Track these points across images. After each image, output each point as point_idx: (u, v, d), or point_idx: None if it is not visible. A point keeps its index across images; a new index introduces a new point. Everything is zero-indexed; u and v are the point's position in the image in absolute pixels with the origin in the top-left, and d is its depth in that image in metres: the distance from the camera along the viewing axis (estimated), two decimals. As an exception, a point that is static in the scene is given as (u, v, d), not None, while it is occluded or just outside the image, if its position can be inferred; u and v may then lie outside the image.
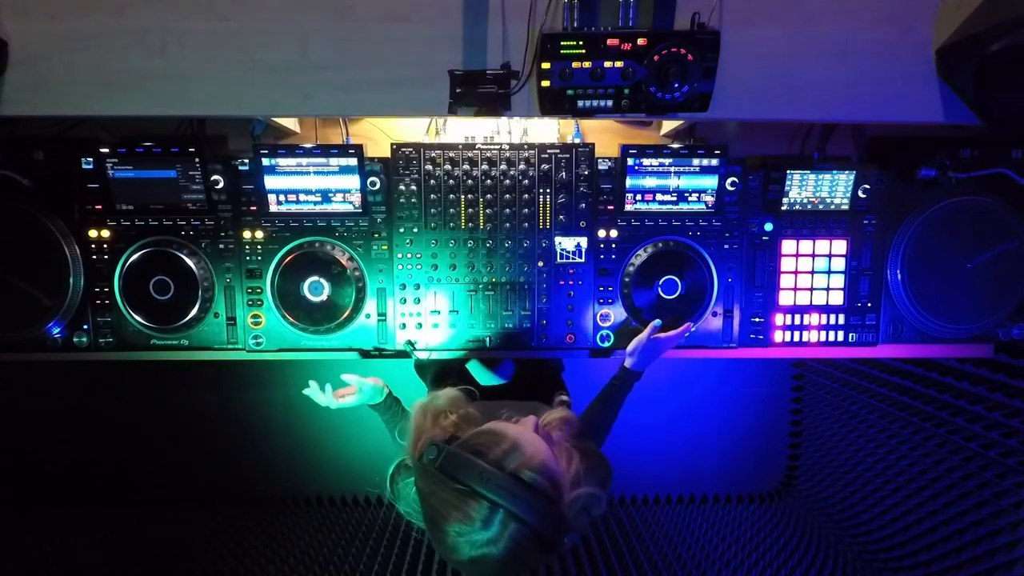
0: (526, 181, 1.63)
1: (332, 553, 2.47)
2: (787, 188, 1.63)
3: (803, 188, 1.63)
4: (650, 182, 1.61)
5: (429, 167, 1.62)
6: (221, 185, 1.59)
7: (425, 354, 1.67)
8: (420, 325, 1.66)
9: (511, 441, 0.92)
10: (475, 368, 1.75)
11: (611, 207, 1.64)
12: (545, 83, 1.28)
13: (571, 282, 1.66)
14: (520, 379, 1.74)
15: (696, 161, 1.58)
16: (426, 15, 1.36)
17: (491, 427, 0.97)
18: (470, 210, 1.64)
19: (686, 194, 1.61)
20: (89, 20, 1.35)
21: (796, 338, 1.70)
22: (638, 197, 1.62)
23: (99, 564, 2.40)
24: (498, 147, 1.63)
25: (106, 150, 1.53)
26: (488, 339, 1.67)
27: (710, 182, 1.60)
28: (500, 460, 0.90)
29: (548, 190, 1.64)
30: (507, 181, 1.63)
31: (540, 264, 1.66)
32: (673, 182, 1.60)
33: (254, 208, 1.61)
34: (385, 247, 1.65)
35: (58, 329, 1.61)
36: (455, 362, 1.75)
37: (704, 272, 1.63)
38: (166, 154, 1.53)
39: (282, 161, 1.55)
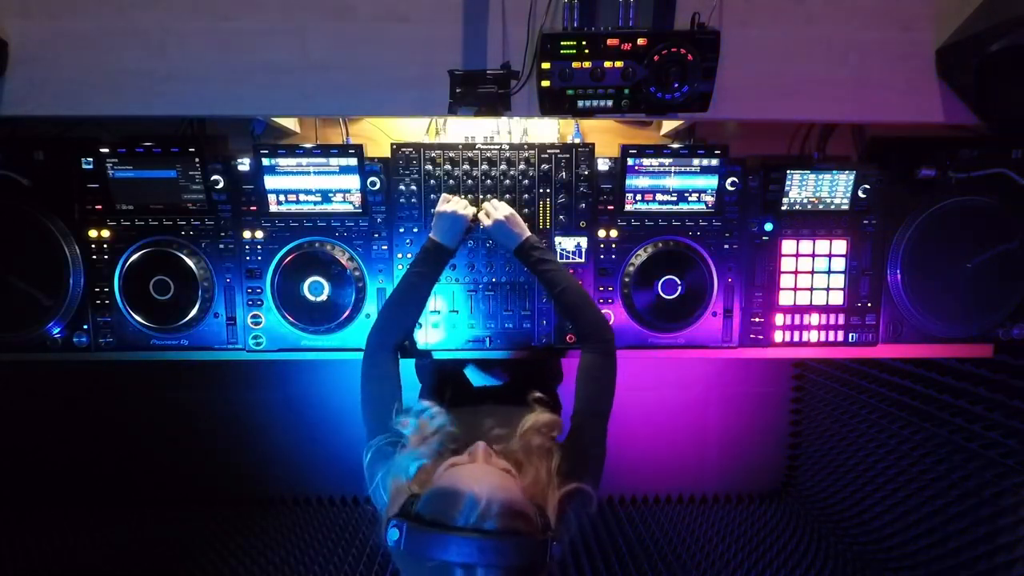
0: (526, 181, 1.63)
1: (332, 553, 2.47)
2: (787, 188, 1.63)
3: (803, 188, 1.63)
4: (650, 182, 1.61)
5: (429, 167, 1.62)
6: (221, 185, 1.59)
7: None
8: (420, 325, 1.65)
9: (465, 495, 0.90)
10: (472, 373, 1.74)
11: (611, 207, 1.64)
12: (545, 83, 1.28)
13: (571, 282, 1.66)
14: (515, 381, 1.74)
15: (696, 161, 1.58)
16: (426, 15, 1.36)
17: (442, 487, 0.94)
18: (470, 210, 1.63)
19: (686, 194, 1.61)
20: (89, 20, 1.35)
21: (796, 338, 1.70)
22: (638, 197, 1.62)
23: (99, 564, 2.40)
24: (498, 147, 1.63)
25: (106, 150, 1.53)
26: (488, 339, 1.67)
27: (710, 182, 1.60)
28: (458, 520, 0.88)
29: (548, 190, 1.64)
30: (507, 181, 1.63)
31: (540, 264, 1.65)
32: (673, 182, 1.60)
33: (254, 208, 1.61)
34: (385, 247, 1.65)
35: (58, 329, 1.61)
36: (453, 367, 1.74)
37: (704, 272, 1.63)
38: (166, 154, 1.53)
39: (282, 161, 1.55)
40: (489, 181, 1.63)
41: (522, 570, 0.88)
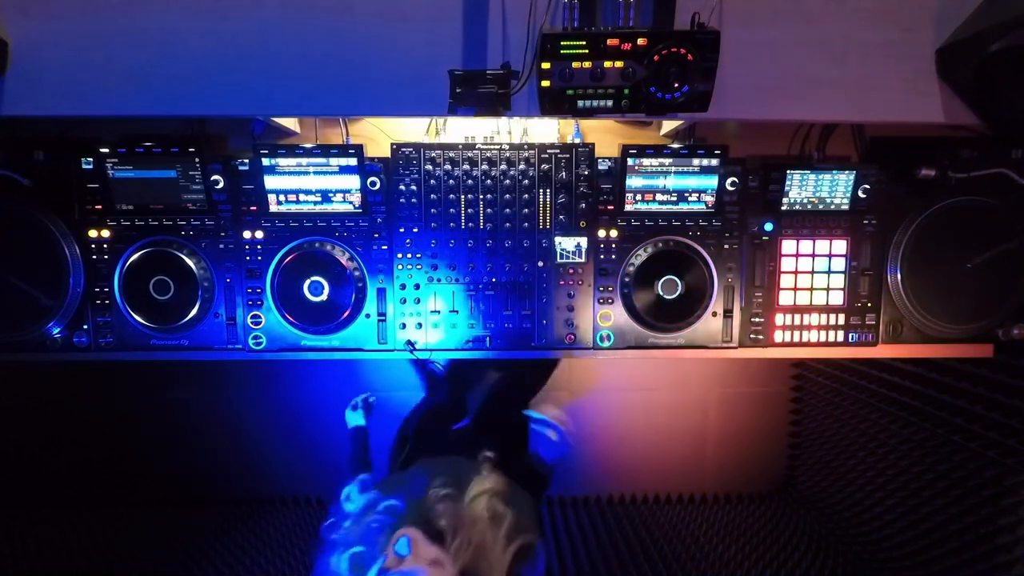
0: (526, 181, 1.63)
1: (332, 553, 2.47)
2: (787, 188, 1.63)
3: (803, 188, 1.63)
4: (650, 182, 1.61)
5: (429, 167, 1.62)
6: (221, 185, 1.59)
7: (426, 354, 1.67)
8: (420, 325, 1.66)
9: None
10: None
11: (611, 207, 1.64)
12: (545, 83, 1.28)
13: (571, 282, 1.66)
14: (477, 422, 1.73)
15: (696, 161, 1.58)
16: (426, 15, 1.36)
17: None
18: (470, 210, 1.64)
19: (686, 194, 1.61)
20: (89, 20, 1.35)
21: (796, 338, 1.70)
22: (638, 197, 1.62)
23: (99, 564, 2.40)
24: (498, 147, 1.63)
25: (106, 150, 1.53)
26: (488, 339, 1.67)
27: (710, 182, 1.60)
28: None
29: (548, 190, 1.64)
30: (507, 181, 1.63)
31: (540, 264, 1.65)
32: (673, 182, 1.60)
33: (254, 208, 1.61)
34: (385, 247, 1.65)
35: (58, 329, 1.61)
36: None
37: (704, 272, 1.63)
38: (166, 154, 1.53)
39: (282, 161, 1.55)
40: (489, 181, 1.63)
41: None
